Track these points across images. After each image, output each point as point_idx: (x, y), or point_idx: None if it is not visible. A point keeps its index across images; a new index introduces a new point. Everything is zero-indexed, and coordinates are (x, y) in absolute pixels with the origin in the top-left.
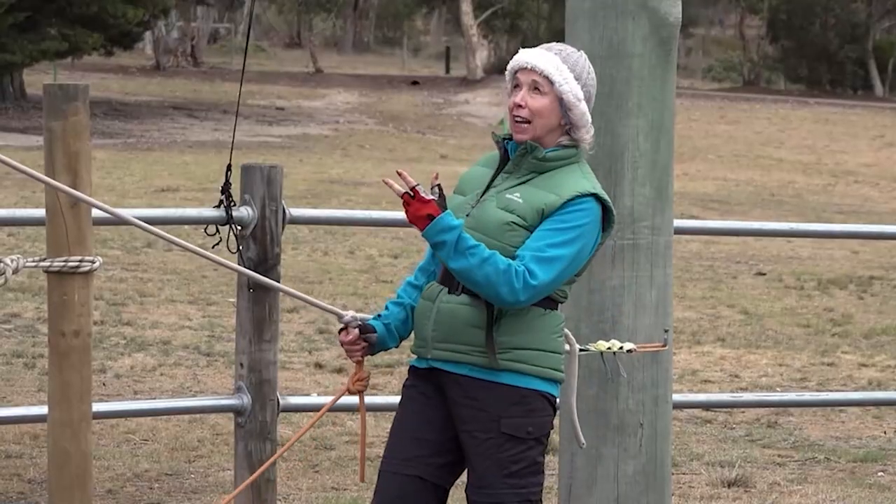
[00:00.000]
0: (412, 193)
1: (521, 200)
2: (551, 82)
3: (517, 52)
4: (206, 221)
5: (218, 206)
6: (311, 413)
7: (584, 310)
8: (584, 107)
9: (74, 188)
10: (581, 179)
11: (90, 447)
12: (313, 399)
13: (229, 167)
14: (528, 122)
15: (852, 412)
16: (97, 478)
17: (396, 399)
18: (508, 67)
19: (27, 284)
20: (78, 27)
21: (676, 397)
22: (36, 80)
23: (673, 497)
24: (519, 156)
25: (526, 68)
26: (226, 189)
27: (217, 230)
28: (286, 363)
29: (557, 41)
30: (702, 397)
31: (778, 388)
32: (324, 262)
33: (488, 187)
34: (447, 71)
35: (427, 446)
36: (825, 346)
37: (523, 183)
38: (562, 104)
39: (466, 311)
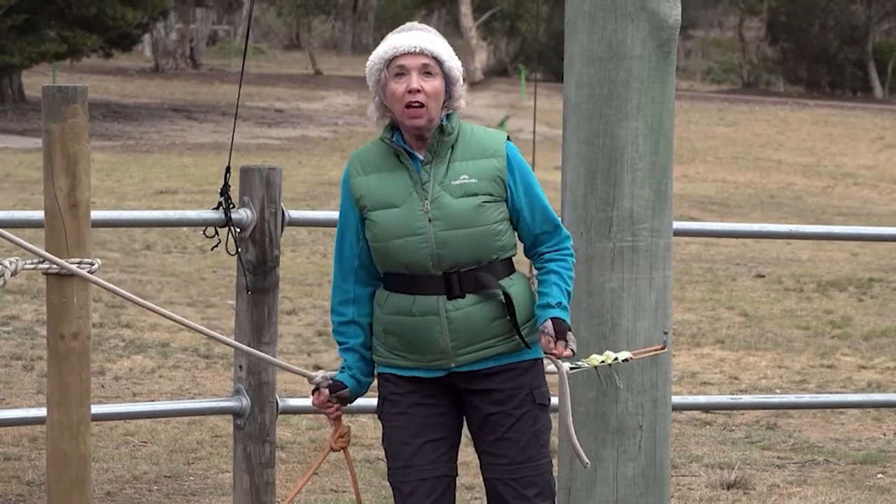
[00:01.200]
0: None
1: (473, 180)
2: (440, 62)
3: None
4: (205, 223)
5: (217, 208)
6: (310, 415)
7: (583, 312)
8: (462, 79)
9: (73, 190)
10: (484, 133)
11: (89, 449)
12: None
13: (228, 169)
14: (423, 105)
15: (852, 414)
16: (96, 480)
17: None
18: (382, 54)
19: (26, 286)
20: (77, 29)
21: (676, 399)
22: (35, 81)
23: (672, 499)
24: (435, 141)
25: (412, 52)
26: (225, 191)
27: (216, 232)
28: None
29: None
30: (701, 399)
31: (777, 390)
32: (322, 265)
33: (422, 185)
34: None
35: (443, 445)
36: (825, 348)
37: (451, 163)
38: (448, 81)
39: (479, 309)
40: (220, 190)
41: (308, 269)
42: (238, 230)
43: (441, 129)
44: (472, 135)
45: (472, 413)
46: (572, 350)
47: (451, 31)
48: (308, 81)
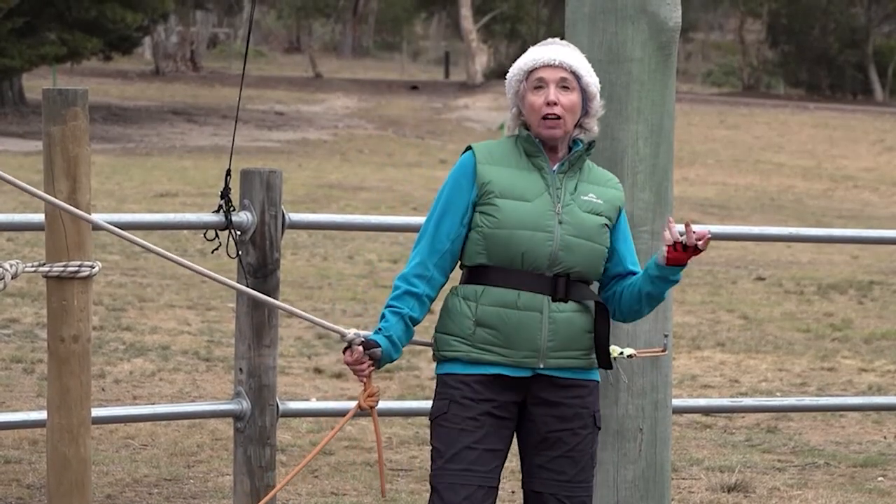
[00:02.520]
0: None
1: (600, 201)
2: (578, 77)
3: (523, 53)
4: (205, 226)
5: (217, 211)
6: (311, 418)
7: None
8: (599, 97)
9: (73, 193)
10: (603, 170)
11: (89, 452)
12: (313, 404)
13: (228, 172)
14: (559, 118)
15: (852, 417)
16: (96, 483)
17: (396, 404)
18: (522, 66)
19: (26, 289)
20: (77, 32)
21: (676, 402)
22: (35, 84)
23: (672, 502)
24: (576, 156)
25: (552, 65)
26: (225, 194)
27: (216, 235)
28: (285, 368)
29: None
30: (701, 402)
31: (778, 393)
32: (323, 268)
33: (555, 189)
34: (446, 76)
35: (500, 457)
36: (825, 350)
37: (579, 182)
38: (585, 97)
39: (580, 317)
40: (220, 193)
41: (308, 272)
42: (238, 233)
43: (589, 145)
44: (593, 166)
45: (536, 426)
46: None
47: (452, 33)
48: (308, 84)
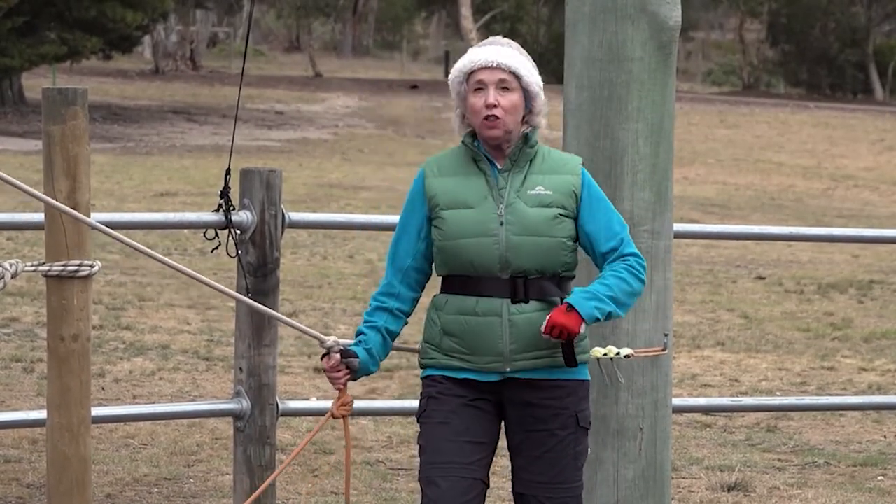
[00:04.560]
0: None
1: (549, 192)
2: (518, 77)
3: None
4: (205, 226)
5: (217, 211)
6: (311, 417)
7: None
8: (542, 94)
9: (73, 192)
10: (560, 154)
11: (89, 452)
12: (312, 403)
13: (228, 171)
14: (499, 118)
15: (852, 416)
16: (96, 482)
17: (397, 403)
18: (462, 68)
19: (26, 289)
20: (77, 31)
21: (676, 401)
22: (35, 84)
23: (672, 501)
24: (517, 150)
25: (490, 67)
26: (225, 193)
27: (216, 234)
28: (285, 367)
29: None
30: (701, 401)
31: (778, 393)
32: (323, 267)
33: (498, 190)
34: (446, 75)
35: (484, 449)
36: (825, 350)
37: (528, 175)
38: (527, 96)
39: (541, 317)
40: (220, 192)
41: (308, 271)
42: (238, 232)
43: (525, 138)
44: (549, 154)
45: (514, 427)
46: (549, 334)
47: (452, 33)
48: (308, 83)
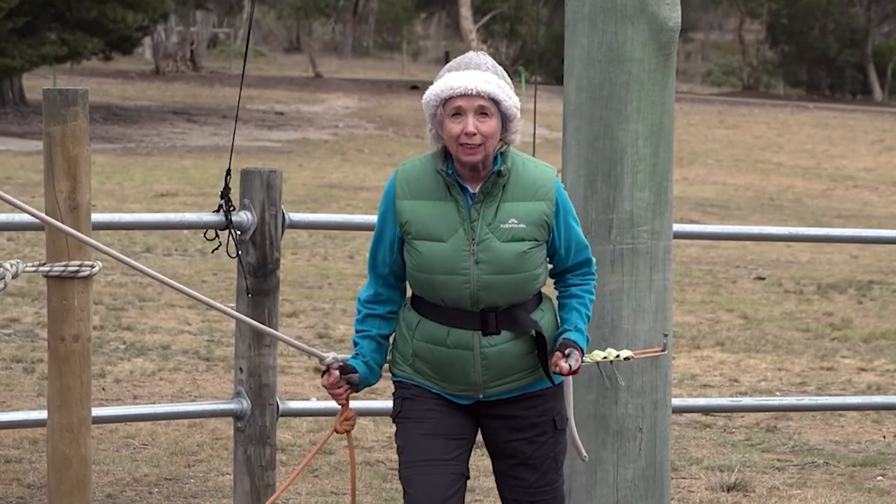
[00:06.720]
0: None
1: (522, 225)
2: (497, 102)
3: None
4: (205, 226)
5: (217, 211)
6: (311, 417)
7: None
8: (519, 114)
9: (73, 193)
10: (535, 169)
11: (90, 452)
12: (313, 403)
13: (229, 172)
14: (480, 144)
15: (851, 416)
16: (96, 482)
17: None
18: (439, 94)
19: (27, 289)
20: (77, 32)
21: (676, 402)
22: (35, 84)
23: (672, 501)
24: (490, 183)
25: (469, 94)
26: (225, 194)
27: (216, 235)
28: (285, 368)
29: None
30: (701, 402)
31: (777, 393)
32: (323, 267)
33: (470, 223)
34: None
35: (461, 445)
36: (824, 350)
37: (501, 203)
38: (505, 118)
39: (513, 346)
40: (220, 192)
41: (308, 271)
42: (238, 233)
43: (498, 173)
44: (523, 171)
45: (492, 437)
46: (570, 365)
47: (452, 33)
48: (308, 84)
